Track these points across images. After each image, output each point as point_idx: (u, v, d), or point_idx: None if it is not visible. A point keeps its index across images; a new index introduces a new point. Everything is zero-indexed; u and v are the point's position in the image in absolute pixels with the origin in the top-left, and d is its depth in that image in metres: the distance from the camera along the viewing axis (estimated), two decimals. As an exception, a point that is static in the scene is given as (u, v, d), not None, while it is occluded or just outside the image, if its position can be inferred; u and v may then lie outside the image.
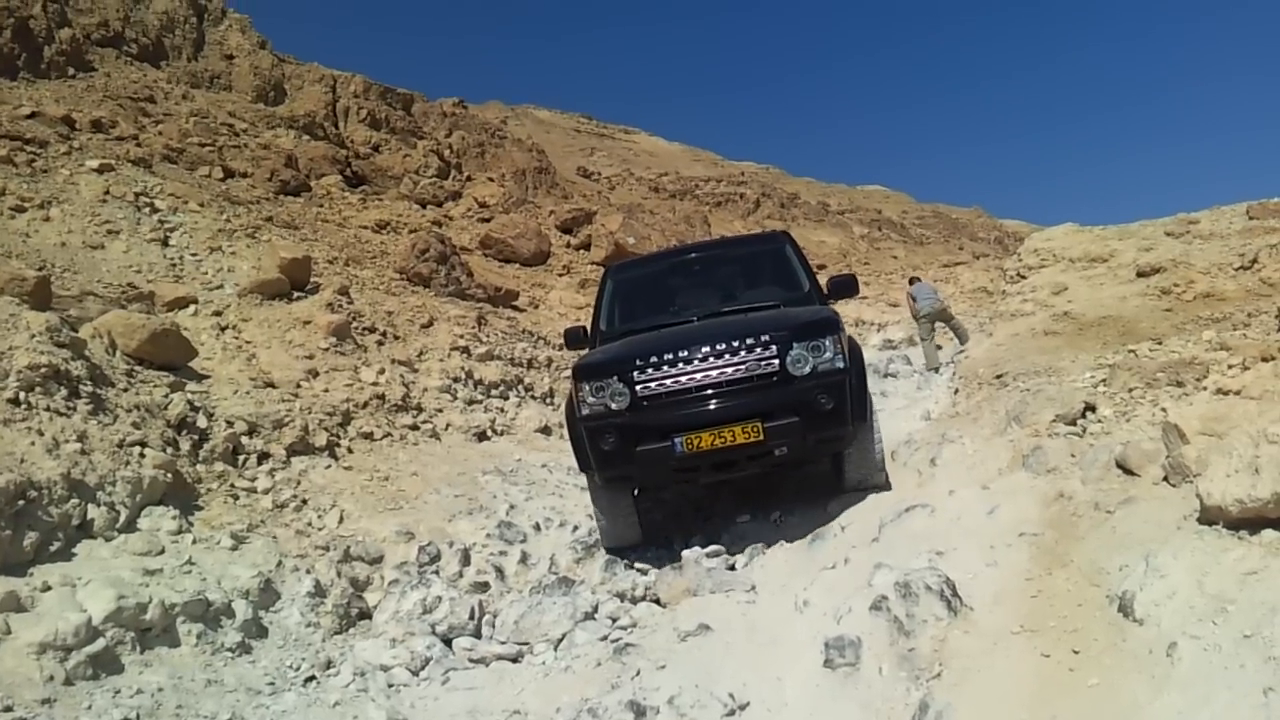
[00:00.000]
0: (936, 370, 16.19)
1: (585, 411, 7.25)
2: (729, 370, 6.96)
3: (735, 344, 6.99)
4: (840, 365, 7.05)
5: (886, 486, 7.74)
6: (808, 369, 6.95)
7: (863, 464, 7.64)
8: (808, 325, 7.20)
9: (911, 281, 19.29)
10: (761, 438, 6.83)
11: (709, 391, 6.97)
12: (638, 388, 7.06)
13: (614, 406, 7.12)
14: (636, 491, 8.16)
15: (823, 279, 8.80)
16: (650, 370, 7.05)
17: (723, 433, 6.84)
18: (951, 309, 18.59)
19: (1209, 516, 4.39)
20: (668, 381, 7.01)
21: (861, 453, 7.58)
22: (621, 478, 7.45)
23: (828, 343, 7.06)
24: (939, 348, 17.35)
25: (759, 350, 6.96)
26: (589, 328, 8.87)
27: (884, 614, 4.94)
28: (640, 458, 7.02)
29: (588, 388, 7.24)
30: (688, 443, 6.86)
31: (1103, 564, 4.74)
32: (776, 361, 6.94)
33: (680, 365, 7.01)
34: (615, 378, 7.13)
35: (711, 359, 6.98)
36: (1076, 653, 4.22)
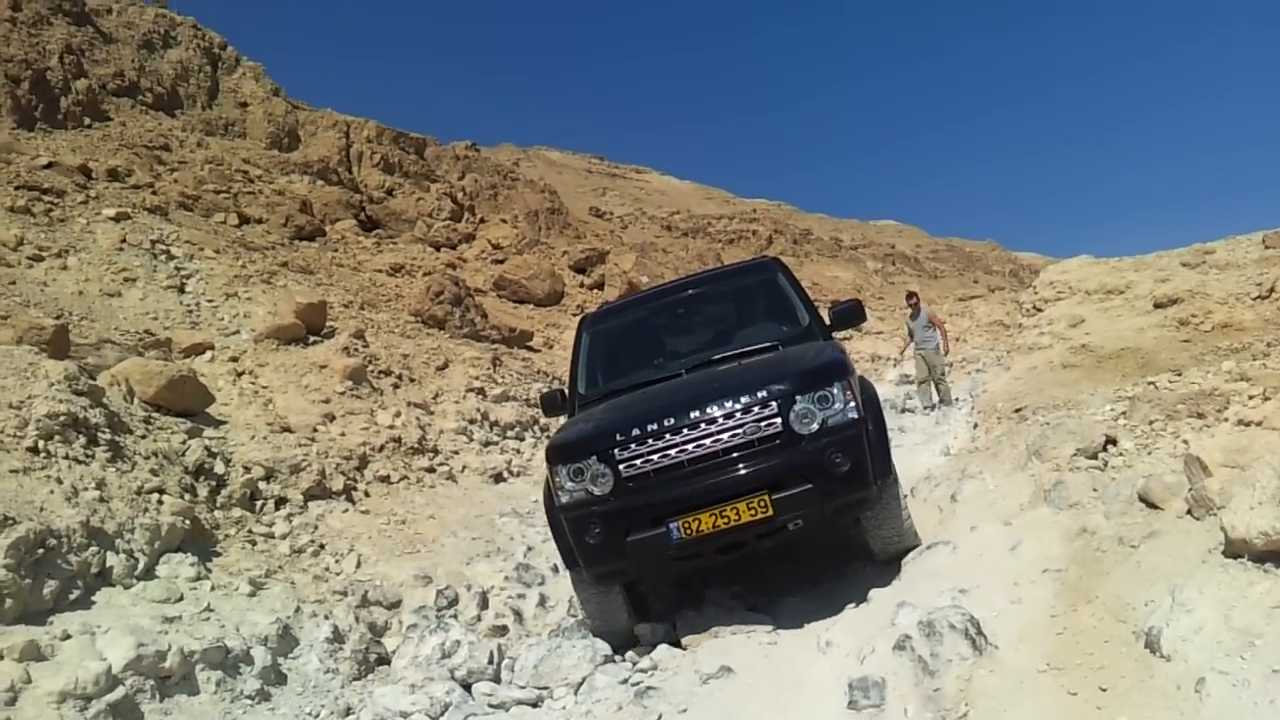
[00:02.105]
0: (950, 404, 16.08)
1: (564, 500, 6.32)
2: (724, 436, 6.03)
3: (728, 404, 6.08)
4: (853, 416, 6.14)
5: (918, 543, 6.88)
6: (816, 425, 6.04)
7: (890, 527, 6.69)
8: (810, 373, 6.28)
9: (914, 299, 17.93)
10: (771, 512, 5.89)
11: (703, 464, 6.04)
12: (621, 467, 6.11)
13: (596, 491, 6.17)
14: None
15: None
16: (634, 445, 6.11)
17: (725, 511, 5.92)
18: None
19: (1234, 549, 4.34)
20: (655, 456, 6.07)
21: (887, 514, 6.62)
22: (614, 574, 6.48)
23: (836, 391, 6.13)
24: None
25: (757, 410, 6.04)
26: (566, 390, 7.91)
27: (908, 653, 4.88)
28: (632, 549, 6.10)
29: (565, 471, 6.29)
30: (685, 527, 5.94)
31: (1128, 599, 4.69)
32: (779, 420, 6.02)
33: (667, 436, 6.08)
34: (594, 457, 6.18)
35: (703, 425, 6.06)
36: (1104, 690, 4.17)
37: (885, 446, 6.53)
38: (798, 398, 6.07)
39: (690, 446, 6.04)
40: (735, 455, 6.03)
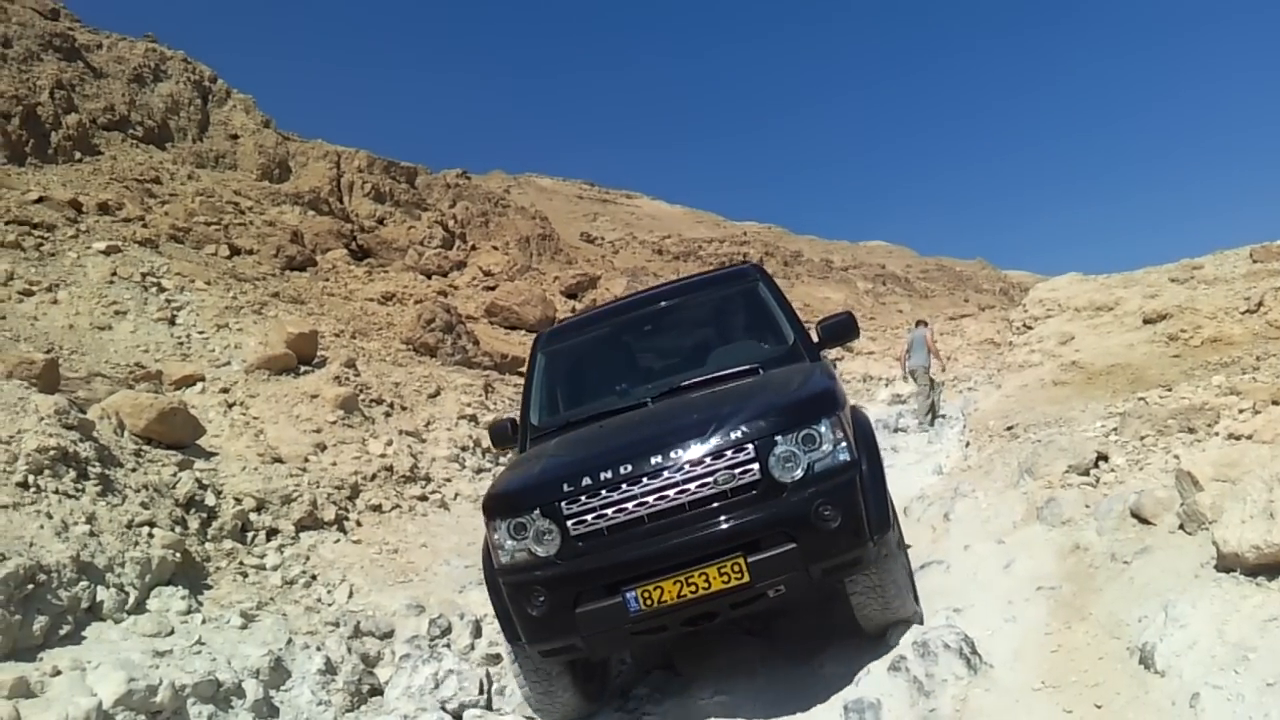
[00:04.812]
0: (934, 421, 16.08)
1: (504, 560, 5.32)
2: (691, 486, 4.99)
3: (696, 448, 5.05)
4: (844, 459, 5.10)
5: (917, 619, 5.66)
6: (800, 471, 4.98)
7: (885, 591, 5.39)
8: (793, 408, 5.24)
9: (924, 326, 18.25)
10: (747, 578, 4.86)
11: (666, 520, 5.02)
12: (570, 523, 5.10)
13: (540, 552, 5.15)
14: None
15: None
16: (584, 498, 5.10)
17: (692, 578, 4.89)
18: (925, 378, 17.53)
19: (1226, 563, 4.34)
20: (609, 511, 5.06)
21: (883, 576, 5.36)
22: (562, 650, 5.32)
23: (824, 429, 5.08)
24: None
25: (730, 454, 5.01)
26: (518, 418, 6.91)
27: (903, 674, 4.87)
28: (582, 622, 5.05)
29: (504, 527, 5.28)
30: (644, 597, 4.92)
31: (1122, 616, 4.69)
32: (755, 467, 4.98)
33: (624, 487, 5.06)
34: (538, 511, 5.16)
35: (666, 473, 5.02)
36: (1099, 707, 4.16)
37: (883, 494, 5.39)
38: (778, 439, 5.04)
39: (651, 499, 5.04)
40: (705, 509, 5.02)
